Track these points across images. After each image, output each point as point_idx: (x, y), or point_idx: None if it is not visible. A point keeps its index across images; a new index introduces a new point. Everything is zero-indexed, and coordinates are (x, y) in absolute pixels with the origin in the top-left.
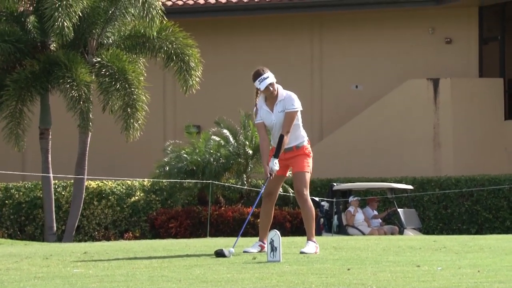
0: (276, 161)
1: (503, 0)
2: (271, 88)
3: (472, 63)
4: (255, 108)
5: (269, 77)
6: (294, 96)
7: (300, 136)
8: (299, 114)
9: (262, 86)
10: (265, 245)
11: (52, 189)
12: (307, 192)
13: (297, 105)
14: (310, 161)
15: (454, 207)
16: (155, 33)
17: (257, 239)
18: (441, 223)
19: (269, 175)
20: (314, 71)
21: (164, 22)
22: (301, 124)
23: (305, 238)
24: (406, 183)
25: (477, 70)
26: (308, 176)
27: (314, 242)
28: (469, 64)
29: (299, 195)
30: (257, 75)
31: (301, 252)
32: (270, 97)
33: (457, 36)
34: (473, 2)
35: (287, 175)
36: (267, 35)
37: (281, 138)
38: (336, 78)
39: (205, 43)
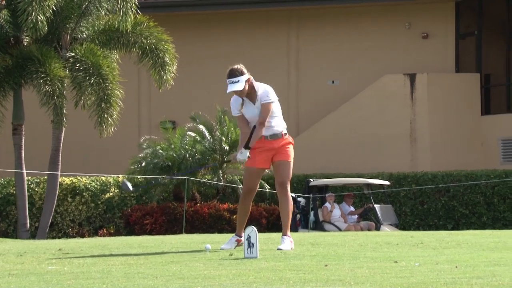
0: (247, 152)
1: None
2: (234, 94)
3: (448, 58)
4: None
5: (239, 81)
6: (268, 88)
7: (283, 123)
8: (278, 105)
9: (228, 89)
10: (242, 239)
11: (26, 186)
12: (289, 184)
13: (272, 97)
14: (293, 151)
15: (431, 202)
16: (129, 28)
17: (232, 235)
18: (418, 219)
19: (237, 160)
20: (290, 66)
21: (138, 16)
22: (281, 116)
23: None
24: (382, 179)
25: (453, 65)
26: (291, 167)
27: (289, 237)
28: (446, 59)
29: (281, 187)
30: (229, 75)
31: (279, 249)
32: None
33: (434, 31)
34: None
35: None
36: (244, 30)
37: (253, 128)
38: (312, 73)
39: (180, 38)
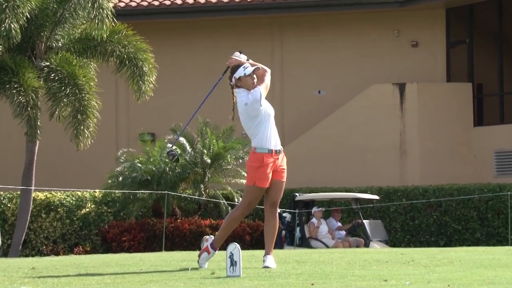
0: (244, 58)
1: (470, 2)
2: (254, 76)
3: (439, 67)
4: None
5: (249, 66)
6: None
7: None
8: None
9: (248, 71)
10: (215, 251)
11: None
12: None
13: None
14: None
15: (422, 218)
16: (105, 36)
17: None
18: (409, 235)
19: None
20: (274, 75)
21: (116, 24)
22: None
23: None
24: (371, 193)
25: (444, 74)
26: None
27: (273, 257)
28: (436, 68)
29: (273, 207)
30: (240, 64)
31: (265, 267)
32: (252, 87)
33: (424, 39)
34: (439, 4)
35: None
36: (225, 38)
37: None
38: (297, 83)
39: (160, 47)
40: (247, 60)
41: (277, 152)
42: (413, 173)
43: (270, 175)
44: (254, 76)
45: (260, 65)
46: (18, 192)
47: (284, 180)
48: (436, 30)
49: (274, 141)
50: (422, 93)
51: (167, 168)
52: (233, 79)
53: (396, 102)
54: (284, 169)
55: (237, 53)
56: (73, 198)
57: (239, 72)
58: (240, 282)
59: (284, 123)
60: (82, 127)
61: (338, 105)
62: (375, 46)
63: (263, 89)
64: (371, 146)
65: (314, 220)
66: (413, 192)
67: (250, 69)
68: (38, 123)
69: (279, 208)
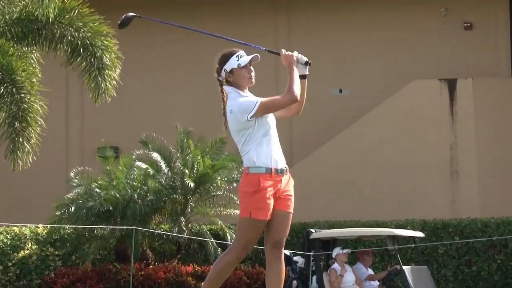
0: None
1: None
2: (252, 68)
3: (502, 56)
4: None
5: (245, 55)
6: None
7: None
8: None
9: (243, 61)
10: None
11: None
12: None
13: None
14: None
15: (482, 263)
16: (52, 16)
17: None
18: (464, 286)
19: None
20: (280, 69)
21: (67, 1)
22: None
23: None
24: (413, 229)
25: (509, 66)
26: None
27: None
28: (498, 58)
29: (276, 247)
30: (232, 52)
31: None
32: (249, 83)
33: (480, 19)
34: None
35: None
36: (214, 20)
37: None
38: (310, 79)
39: (126, 31)
40: (304, 74)
41: (280, 172)
42: (469, 201)
43: (272, 203)
44: (251, 68)
45: (297, 86)
46: None
47: (291, 210)
48: (497, 7)
49: (274, 157)
50: (479, 92)
51: (136, 195)
52: (223, 72)
53: (444, 104)
54: (290, 195)
55: (300, 56)
56: (8, 236)
57: (232, 63)
58: None
59: (293, 134)
60: (21, 139)
61: (365, 109)
62: (416, 29)
63: (263, 104)
64: (411, 164)
65: (336, 266)
66: (469, 227)
67: (246, 59)
68: None
69: (287, 249)
